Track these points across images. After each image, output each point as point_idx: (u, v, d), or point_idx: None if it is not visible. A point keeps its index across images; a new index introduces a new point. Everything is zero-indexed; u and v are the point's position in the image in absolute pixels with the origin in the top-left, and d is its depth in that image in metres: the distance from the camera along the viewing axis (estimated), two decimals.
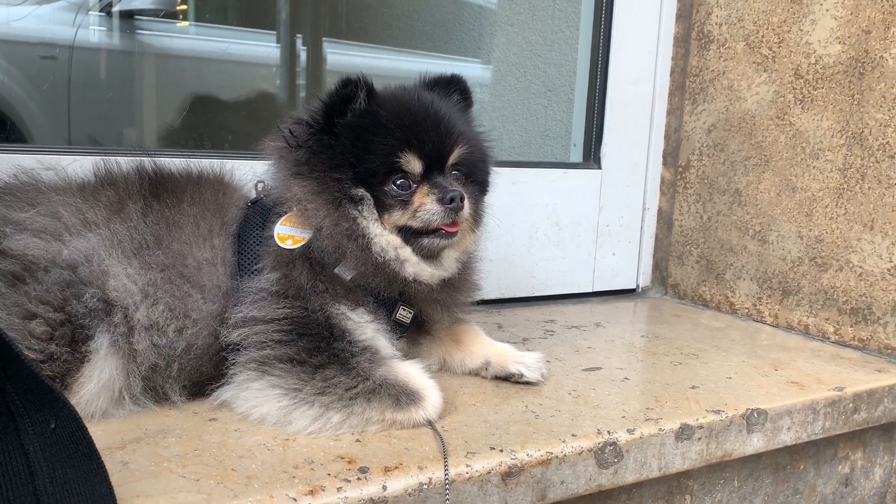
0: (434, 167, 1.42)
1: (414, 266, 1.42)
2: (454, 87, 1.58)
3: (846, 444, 1.86)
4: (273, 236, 1.38)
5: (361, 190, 1.38)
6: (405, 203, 1.40)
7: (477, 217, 1.55)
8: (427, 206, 1.40)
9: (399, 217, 1.40)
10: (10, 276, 1.18)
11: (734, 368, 1.79)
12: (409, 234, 1.42)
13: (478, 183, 1.54)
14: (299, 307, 1.33)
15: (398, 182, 1.40)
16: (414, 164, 1.40)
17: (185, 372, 1.31)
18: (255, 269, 1.36)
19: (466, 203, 1.43)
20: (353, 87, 1.37)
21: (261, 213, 1.43)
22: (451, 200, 1.39)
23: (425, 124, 1.42)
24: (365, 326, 1.37)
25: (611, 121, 2.44)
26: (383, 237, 1.39)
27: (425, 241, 1.42)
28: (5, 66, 2.82)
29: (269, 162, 1.47)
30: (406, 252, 1.41)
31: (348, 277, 1.39)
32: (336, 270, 1.39)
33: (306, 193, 1.37)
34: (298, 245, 1.38)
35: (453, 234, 1.43)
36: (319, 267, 1.38)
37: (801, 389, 1.68)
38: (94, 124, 3.08)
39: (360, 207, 1.38)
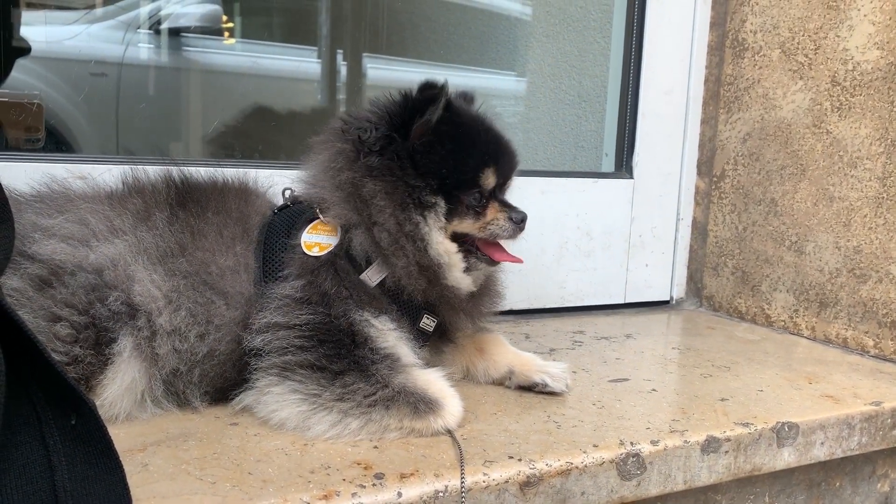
0: (501, 184, 1.51)
1: (458, 274, 1.46)
2: (472, 100, 1.62)
3: (885, 461, 1.79)
4: (300, 244, 1.39)
5: (437, 198, 1.42)
6: (477, 215, 1.47)
7: None
8: (500, 222, 1.48)
9: (468, 226, 1.46)
10: (38, 280, 1.21)
11: (766, 381, 1.75)
12: (461, 243, 1.47)
13: None
14: (322, 313, 1.34)
15: (475, 195, 1.46)
16: (490, 181, 1.47)
17: (207, 378, 1.33)
18: (281, 276, 1.37)
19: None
20: (436, 92, 1.40)
21: (287, 219, 1.44)
22: (522, 220, 1.49)
23: (503, 144, 1.52)
24: (387, 334, 1.37)
25: (643, 130, 2.42)
26: (442, 244, 1.43)
27: (473, 260, 1.49)
28: (59, 83, 2.91)
29: (317, 161, 1.48)
30: (457, 258, 1.46)
31: (374, 283, 1.40)
32: (361, 276, 1.39)
33: (376, 193, 1.39)
34: (325, 252, 1.39)
35: (498, 263, 1.52)
36: (345, 273, 1.38)
37: (835, 403, 1.63)
38: (143, 138, 3.16)
39: (426, 213, 1.41)
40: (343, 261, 1.39)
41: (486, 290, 1.58)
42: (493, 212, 1.48)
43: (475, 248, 1.50)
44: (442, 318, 1.49)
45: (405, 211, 1.39)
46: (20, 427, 0.89)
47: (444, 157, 1.42)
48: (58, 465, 0.92)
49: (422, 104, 1.40)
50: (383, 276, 1.40)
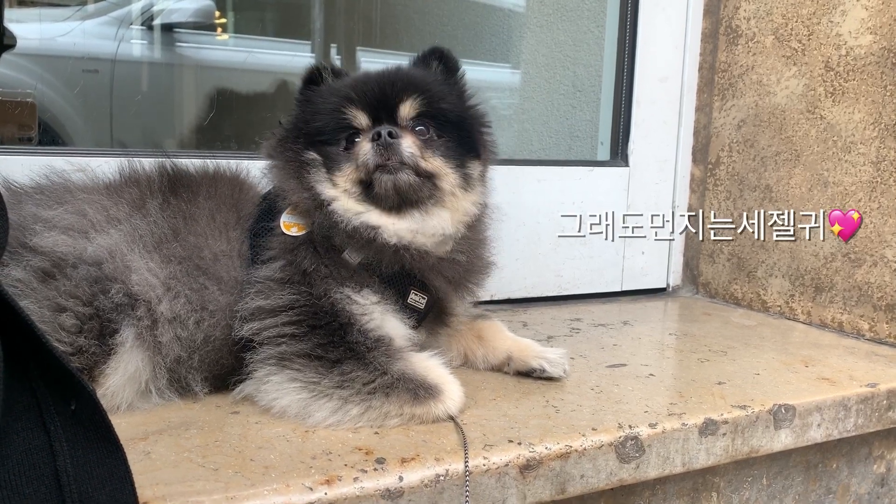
0: (384, 120, 1.39)
1: (390, 229, 1.37)
2: (433, 57, 1.54)
3: (881, 443, 1.81)
4: (279, 225, 1.39)
5: (312, 153, 1.40)
6: (350, 156, 1.39)
7: (467, 179, 1.45)
8: (363, 150, 1.37)
9: (351, 172, 1.38)
10: (41, 272, 1.21)
11: (763, 365, 1.76)
12: (369, 191, 1.38)
13: (457, 140, 1.46)
14: (304, 293, 1.32)
15: (354, 139, 1.40)
16: (361, 119, 1.39)
17: (205, 363, 1.33)
18: (263, 260, 1.37)
19: (407, 143, 1.37)
20: (316, 71, 1.47)
21: (271, 204, 1.44)
22: (379, 136, 1.35)
23: (371, 79, 1.44)
24: (371, 308, 1.35)
25: (638, 118, 2.43)
26: (339, 201, 1.37)
27: (374, 184, 1.36)
28: (52, 80, 2.90)
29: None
30: (373, 216, 1.37)
31: (355, 262, 1.38)
32: (343, 256, 1.38)
33: (279, 172, 1.42)
34: (303, 232, 1.39)
35: (398, 166, 1.36)
36: (323, 250, 1.37)
37: (831, 385, 1.64)
38: (137, 134, 3.16)
39: (312, 172, 1.39)
40: (317, 236, 1.38)
41: (472, 262, 1.51)
42: (360, 146, 1.38)
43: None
44: (431, 291, 1.44)
45: (300, 177, 1.39)
46: (21, 413, 0.90)
47: (305, 110, 1.44)
48: (59, 450, 0.92)
49: (305, 82, 1.48)
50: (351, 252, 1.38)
